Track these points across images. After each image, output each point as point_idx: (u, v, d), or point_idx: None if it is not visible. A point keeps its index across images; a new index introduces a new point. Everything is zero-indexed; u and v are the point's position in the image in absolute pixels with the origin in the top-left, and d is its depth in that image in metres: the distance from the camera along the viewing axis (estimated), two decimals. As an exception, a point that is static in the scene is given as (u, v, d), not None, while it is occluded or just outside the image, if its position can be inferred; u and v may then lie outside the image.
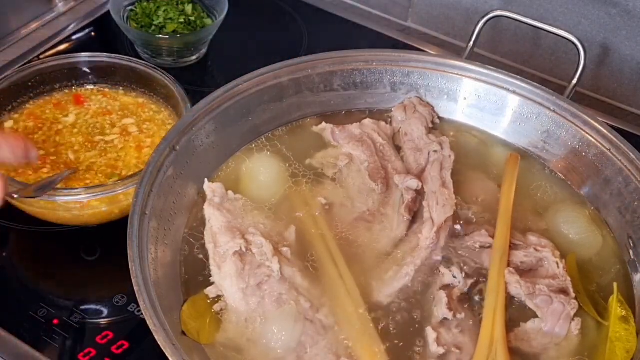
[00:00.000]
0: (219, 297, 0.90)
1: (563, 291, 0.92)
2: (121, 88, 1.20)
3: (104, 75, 1.20)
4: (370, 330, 0.88)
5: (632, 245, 0.98)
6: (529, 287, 0.91)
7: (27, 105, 1.17)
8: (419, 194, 1.01)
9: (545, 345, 0.88)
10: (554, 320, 0.89)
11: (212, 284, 0.91)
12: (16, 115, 1.15)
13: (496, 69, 1.12)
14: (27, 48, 1.40)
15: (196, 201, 1.00)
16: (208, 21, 1.38)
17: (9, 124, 1.14)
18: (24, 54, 1.38)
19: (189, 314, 0.87)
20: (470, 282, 0.93)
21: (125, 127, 1.13)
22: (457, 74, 1.13)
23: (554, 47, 1.41)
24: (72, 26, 1.46)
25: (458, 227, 0.99)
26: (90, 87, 1.20)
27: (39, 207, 1.03)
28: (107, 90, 1.20)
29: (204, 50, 1.40)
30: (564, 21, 1.36)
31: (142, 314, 0.79)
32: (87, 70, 1.20)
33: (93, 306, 1.01)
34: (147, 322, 0.78)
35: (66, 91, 1.19)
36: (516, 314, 0.91)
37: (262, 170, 1.05)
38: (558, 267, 0.94)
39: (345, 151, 1.07)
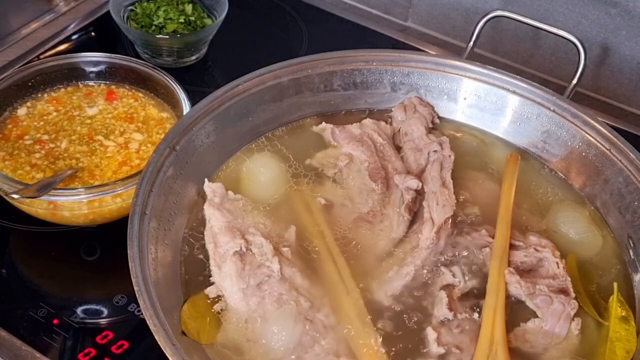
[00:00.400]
0: (219, 297, 0.90)
1: (563, 291, 0.92)
2: (151, 99, 1.19)
3: (104, 75, 1.20)
4: (371, 330, 0.88)
5: (632, 245, 0.98)
6: (529, 287, 0.91)
7: (52, 93, 1.18)
8: (419, 194, 1.01)
9: (545, 345, 0.88)
10: (554, 320, 0.89)
11: (212, 284, 0.91)
12: (30, 102, 1.17)
13: (496, 69, 1.12)
14: (27, 48, 1.40)
15: (196, 201, 1.00)
16: (208, 21, 1.38)
17: (22, 110, 1.15)
18: (24, 54, 1.38)
19: (189, 314, 0.87)
20: (470, 282, 0.93)
21: (129, 141, 1.12)
22: (457, 74, 1.13)
23: (554, 47, 1.41)
24: (72, 26, 1.46)
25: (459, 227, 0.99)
26: (126, 87, 1.19)
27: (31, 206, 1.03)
28: (140, 95, 1.19)
29: (204, 50, 1.40)
30: (564, 21, 1.36)
31: (142, 314, 0.79)
32: (87, 70, 1.20)
33: (93, 306, 1.01)
34: (147, 322, 0.78)
35: (102, 83, 1.20)
36: (516, 314, 0.91)
37: (262, 170, 1.05)
38: (558, 267, 0.94)
39: (345, 151, 1.07)
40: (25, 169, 1.07)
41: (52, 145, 1.10)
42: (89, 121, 1.14)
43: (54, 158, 1.09)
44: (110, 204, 1.03)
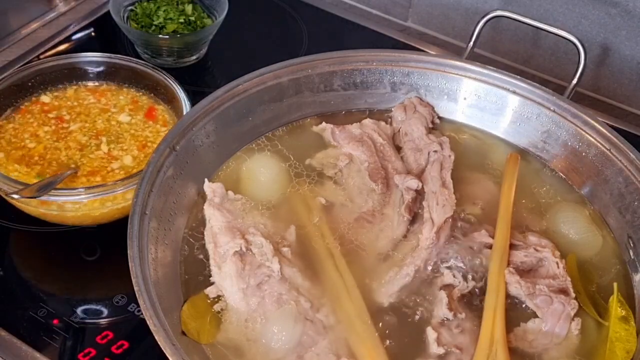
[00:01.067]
0: (219, 297, 0.90)
1: (563, 291, 0.92)
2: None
3: (105, 75, 1.20)
4: (371, 330, 0.88)
5: (632, 245, 0.98)
6: (529, 287, 0.91)
7: (102, 85, 1.21)
8: (419, 194, 1.01)
9: (545, 345, 0.88)
10: (554, 320, 0.89)
11: (212, 284, 0.91)
12: (56, 92, 1.19)
13: (496, 69, 1.12)
14: (27, 48, 1.40)
15: (196, 201, 1.00)
16: (208, 21, 1.38)
17: (45, 98, 1.17)
18: (24, 54, 1.38)
19: (189, 314, 0.87)
20: (470, 282, 0.93)
21: (118, 158, 1.09)
22: (457, 74, 1.13)
23: (554, 47, 1.41)
24: (72, 26, 1.46)
25: (458, 226, 0.99)
26: (164, 106, 1.17)
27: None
28: (172, 121, 1.16)
29: (204, 50, 1.40)
30: (564, 21, 1.36)
31: (142, 314, 0.79)
32: (87, 70, 1.20)
33: (93, 306, 1.01)
34: (147, 322, 0.78)
35: (148, 96, 1.19)
36: (516, 314, 0.91)
37: (262, 170, 1.05)
38: (558, 267, 0.94)
39: (345, 151, 1.07)
40: (24, 135, 1.11)
41: (65, 125, 1.12)
42: (114, 123, 1.14)
43: (57, 137, 1.11)
44: (111, 204, 1.03)
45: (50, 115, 1.14)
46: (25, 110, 1.15)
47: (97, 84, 1.20)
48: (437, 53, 1.43)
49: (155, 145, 1.09)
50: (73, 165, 1.07)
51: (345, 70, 1.13)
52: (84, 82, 1.20)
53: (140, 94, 1.20)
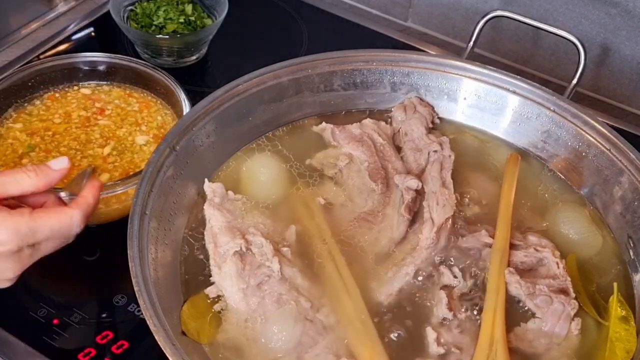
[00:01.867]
0: (219, 297, 0.90)
1: (563, 291, 0.92)
2: None
3: (104, 75, 1.20)
4: (370, 330, 0.88)
5: (632, 245, 0.98)
6: (529, 287, 0.91)
7: (147, 96, 1.21)
8: (419, 194, 1.01)
9: (545, 345, 0.88)
10: (554, 320, 0.89)
11: (212, 284, 0.91)
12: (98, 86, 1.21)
13: (496, 69, 1.12)
14: (27, 48, 1.40)
15: (196, 201, 1.00)
16: (208, 21, 1.38)
17: (86, 91, 1.19)
18: (24, 54, 1.38)
19: (189, 314, 0.87)
20: (470, 282, 0.93)
21: (104, 170, 1.08)
22: (457, 74, 1.13)
23: (554, 47, 1.41)
24: (72, 26, 1.46)
25: (458, 226, 0.99)
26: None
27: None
28: None
29: (204, 50, 1.40)
30: (564, 21, 1.36)
31: (142, 314, 0.79)
32: (87, 70, 1.20)
33: (93, 306, 1.01)
34: (147, 322, 0.78)
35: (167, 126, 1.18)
36: (516, 314, 0.91)
37: (262, 170, 1.05)
38: (558, 267, 0.94)
39: (345, 151, 1.07)
40: (59, 112, 1.15)
41: (99, 117, 1.15)
42: (130, 138, 1.13)
43: (88, 122, 1.14)
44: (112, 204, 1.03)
45: (97, 105, 1.17)
46: (63, 94, 1.18)
47: (97, 84, 1.20)
48: (437, 53, 1.43)
49: (135, 177, 1.05)
50: (92, 166, 1.06)
51: (345, 70, 1.13)
52: (84, 82, 1.20)
53: (170, 118, 1.18)
